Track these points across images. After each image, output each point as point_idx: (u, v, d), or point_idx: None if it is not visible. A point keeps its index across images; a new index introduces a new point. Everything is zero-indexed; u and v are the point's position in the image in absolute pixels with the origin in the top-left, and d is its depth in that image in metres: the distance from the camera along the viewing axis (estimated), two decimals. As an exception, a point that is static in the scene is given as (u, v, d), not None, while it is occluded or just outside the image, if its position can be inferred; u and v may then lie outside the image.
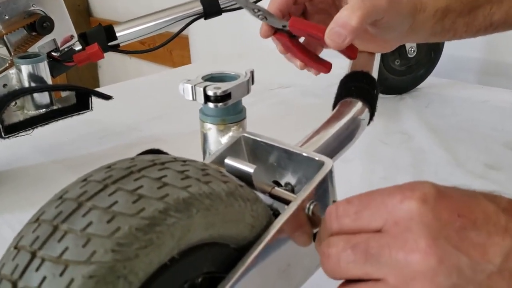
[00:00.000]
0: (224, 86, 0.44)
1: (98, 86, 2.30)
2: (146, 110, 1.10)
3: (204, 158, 0.50)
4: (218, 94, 0.44)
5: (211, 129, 0.47)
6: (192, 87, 0.45)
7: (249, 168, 0.39)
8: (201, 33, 1.79)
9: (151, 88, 1.27)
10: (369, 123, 0.54)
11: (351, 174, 0.80)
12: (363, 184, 0.78)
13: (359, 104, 0.53)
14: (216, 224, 0.33)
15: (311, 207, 0.39)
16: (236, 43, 1.73)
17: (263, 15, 0.51)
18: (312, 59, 0.53)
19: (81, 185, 0.32)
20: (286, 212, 0.37)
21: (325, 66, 0.53)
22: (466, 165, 0.84)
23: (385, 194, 0.33)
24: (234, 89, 0.45)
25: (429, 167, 0.83)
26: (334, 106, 0.54)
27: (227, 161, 0.41)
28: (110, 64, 2.29)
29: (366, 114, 0.53)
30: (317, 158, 0.42)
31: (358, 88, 0.54)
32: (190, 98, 0.46)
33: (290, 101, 1.13)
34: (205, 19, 0.93)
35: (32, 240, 0.29)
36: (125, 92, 1.18)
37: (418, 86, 1.14)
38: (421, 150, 0.89)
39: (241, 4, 0.52)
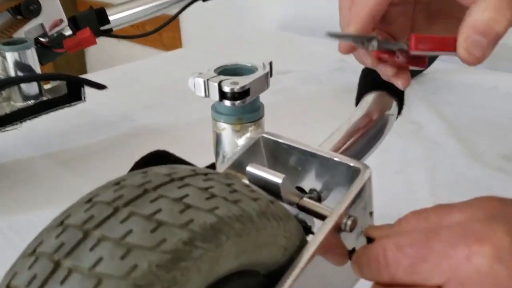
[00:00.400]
0: (241, 81, 0.39)
1: (86, 71, 2.22)
2: (140, 98, 1.04)
3: (216, 161, 0.45)
4: (235, 90, 0.39)
5: (226, 129, 0.42)
6: (204, 81, 0.40)
7: (277, 178, 0.34)
8: (193, 14, 1.72)
9: (144, 73, 1.21)
10: (397, 117, 0.49)
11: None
12: (376, 179, 0.74)
13: (386, 98, 0.48)
14: (247, 250, 0.28)
15: (349, 222, 0.34)
16: (229, 25, 1.67)
17: (378, 44, 0.40)
18: (409, 59, 0.44)
19: (86, 207, 0.27)
20: (322, 231, 0.33)
21: (423, 61, 0.44)
22: (483, 157, 0.80)
23: (446, 244, 0.28)
24: (253, 84, 0.39)
25: (444, 160, 0.79)
26: (357, 100, 0.49)
27: (250, 169, 0.36)
28: (97, 47, 2.20)
29: (394, 108, 0.48)
30: (352, 164, 0.37)
31: (383, 80, 0.48)
32: (202, 94, 0.40)
33: (291, 88, 1.07)
34: (203, 0, 0.87)
35: (28, 280, 0.24)
36: (116, 79, 1.12)
37: (424, 72, 1.10)
38: (434, 141, 0.84)
39: (351, 42, 0.40)
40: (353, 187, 0.35)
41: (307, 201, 0.36)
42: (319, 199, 0.41)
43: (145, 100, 1.02)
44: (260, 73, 0.41)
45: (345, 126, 0.45)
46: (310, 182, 0.41)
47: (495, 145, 0.83)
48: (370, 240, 0.35)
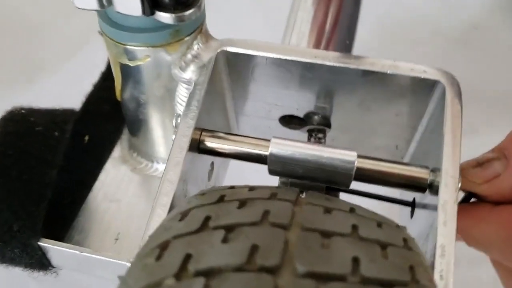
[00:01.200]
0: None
1: None
2: None
3: (125, 108, 0.25)
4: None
5: (151, 58, 0.22)
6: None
7: (350, 158, 0.18)
8: None
9: None
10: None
11: (251, 29, 0.59)
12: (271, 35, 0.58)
13: None
14: None
15: (459, 185, 0.20)
16: None
17: None
18: None
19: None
20: (451, 221, 0.18)
21: None
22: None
23: None
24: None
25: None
26: None
27: (279, 149, 0.18)
28: None
29: None
30: (422, 76, 0.21)
31: None
32: (95, 5, 0.19)
33: None
34: None
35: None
36: None
37: None
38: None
39: None
40: (447, 121, 0.20)
41: (371, 163, 0.20)
42: (328, 126, 0.26)
43: None
44: None
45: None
46: (296, 102, 0.25)
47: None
48: (471, 194, 0.21)
